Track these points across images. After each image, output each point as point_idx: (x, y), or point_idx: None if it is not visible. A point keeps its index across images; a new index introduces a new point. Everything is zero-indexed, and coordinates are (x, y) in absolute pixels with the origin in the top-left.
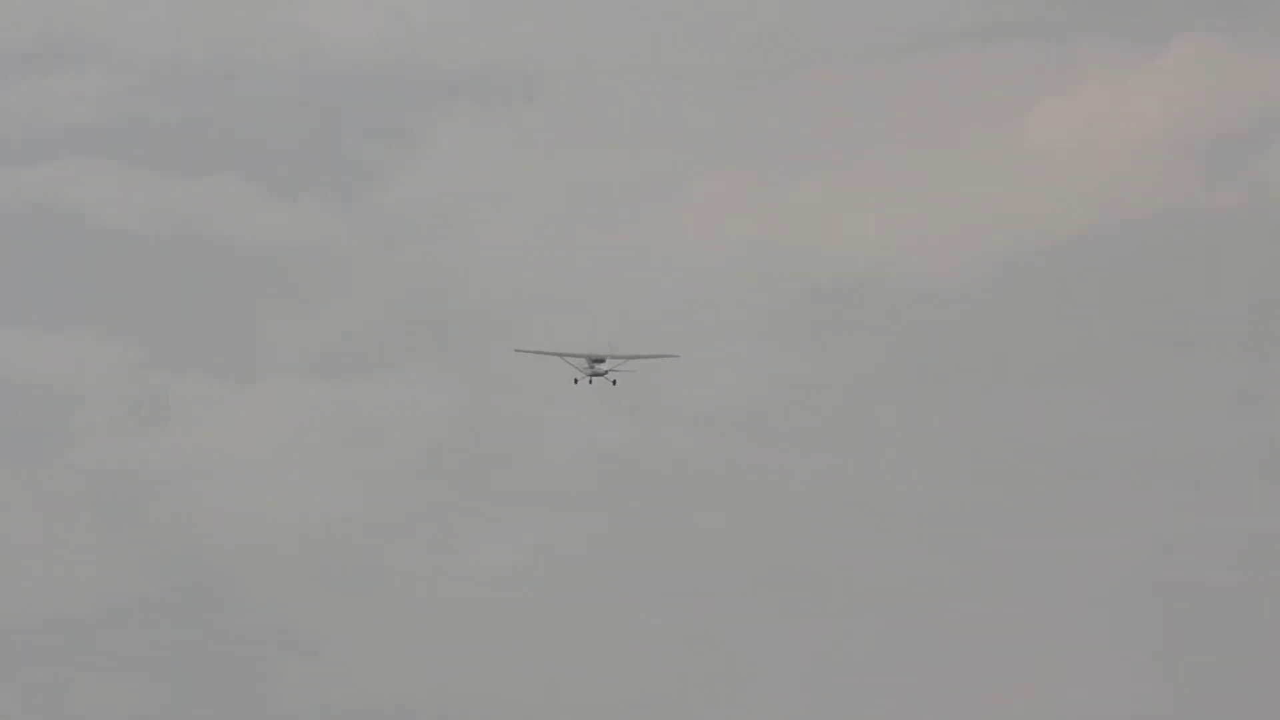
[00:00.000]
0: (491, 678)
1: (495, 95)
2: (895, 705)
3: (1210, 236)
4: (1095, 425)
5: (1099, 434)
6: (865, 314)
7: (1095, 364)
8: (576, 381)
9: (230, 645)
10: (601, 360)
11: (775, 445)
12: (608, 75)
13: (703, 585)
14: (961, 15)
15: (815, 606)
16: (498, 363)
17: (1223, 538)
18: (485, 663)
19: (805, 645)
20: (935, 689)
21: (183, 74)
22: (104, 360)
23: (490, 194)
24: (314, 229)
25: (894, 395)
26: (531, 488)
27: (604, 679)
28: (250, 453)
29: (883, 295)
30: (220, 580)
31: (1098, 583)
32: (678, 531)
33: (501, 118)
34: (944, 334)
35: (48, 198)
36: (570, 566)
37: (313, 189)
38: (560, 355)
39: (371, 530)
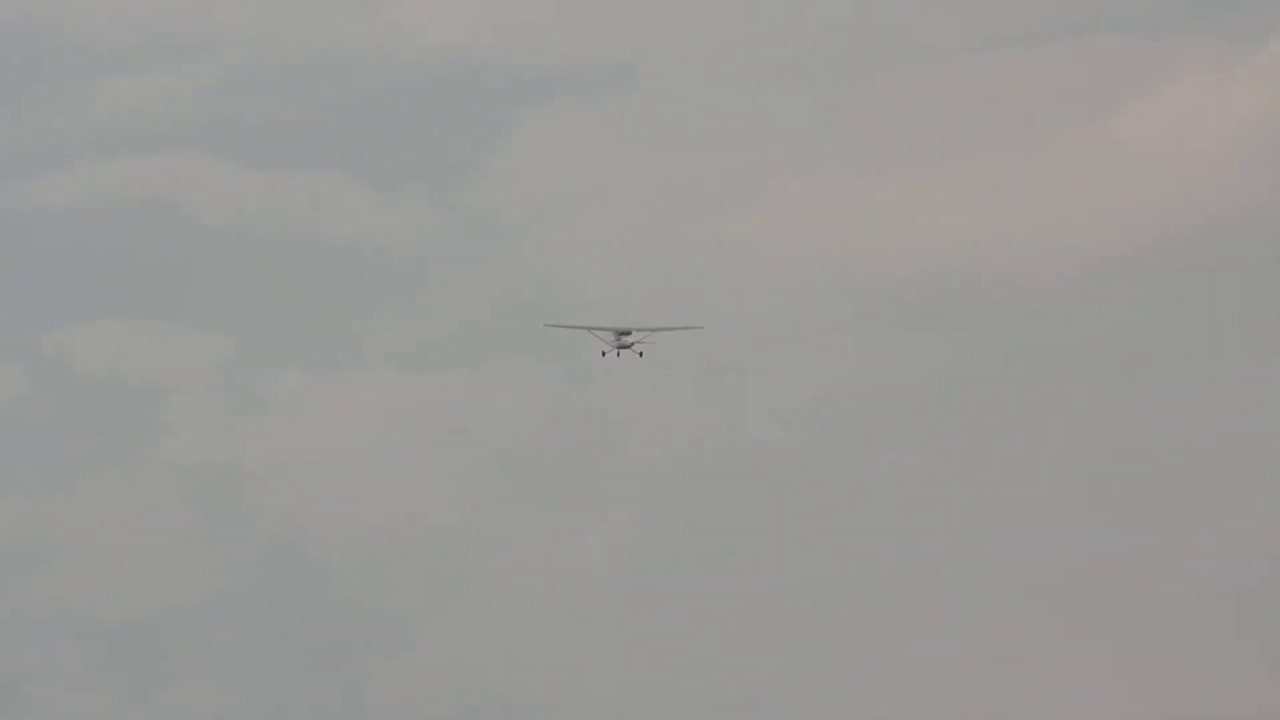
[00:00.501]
0: (582, 675)
1: (588, 91)
2: (985, 705)
3: None
4: (1188, 424)
5: (1191, 432)
6: (954, 311)
7: (1186, 362)
8: (604, 354)
9: (322, 639)
10: (628, 333)
11: (862, 443)
12: (700, 71)
13: (791, 583)
14: (1054, 12)
15: (904, 605)
16: (591, 358)
17: None
18: (575, 659)
19: (894, 644)
20: (1024, 688)
21: (281, 70)
22: (199, 354)
23: (583, 189)
24: (409, 224)
25: (981, 393)
26: (624, 485)
27: (694, 678)
28: (345, 447)
29: (971, 292)
30: (313, 574)
31: (1191, 582)
32: (767, 529)
33: (594, 113)
34: (1033, 331)
35: (145, 192)
36: (661, 564)
37: (408, 185)
38: (588, 329)
39: (465, 525)
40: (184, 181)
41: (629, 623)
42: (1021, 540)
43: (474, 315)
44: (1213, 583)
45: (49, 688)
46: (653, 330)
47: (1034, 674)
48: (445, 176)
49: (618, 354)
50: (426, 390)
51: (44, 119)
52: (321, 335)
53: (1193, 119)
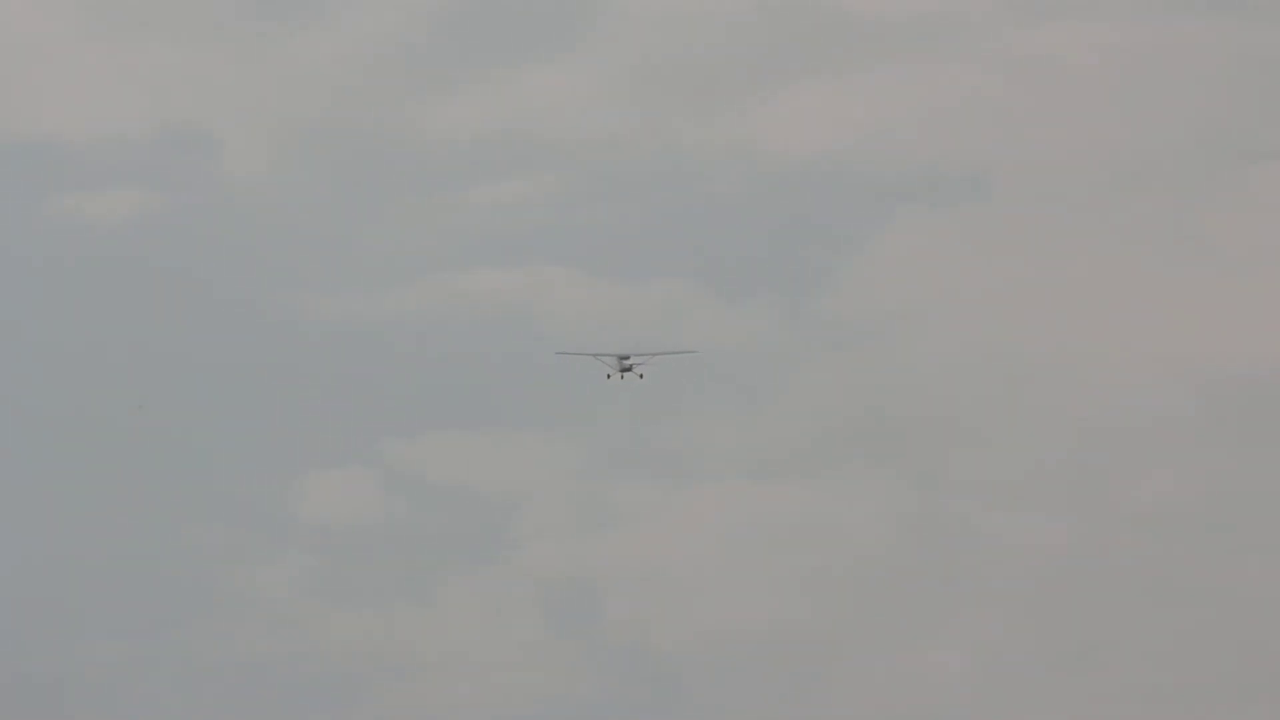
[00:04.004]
0: None
1: (943, 197)
2: None
3: None
4: None
5: None
6: None
7: None
8: (609, 377)
9: None
10: (628, 358)
11: (1218, 545)
12: (1058, 176)
13: (1144, 690)
14: None
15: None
16: (940, 466)
17: None
18: None
19: None
20: None
21: (631, 179)
22: (551, 463)
23: (937, 297)
24: (760, 331)
25: None
26: (971, 591)
27: None
28: (696, 555)
29: None
30: (666, 684)
31: None
32: (1119, 634)
33: (949, 220)
34: None
35: (497, 302)
36: (1015, 669)
37: (759, 293)
38: (594, 355)
39: (819, 633)
40: (535, 291)
41: None
42: None
43: (825, 423)
44: None
45: None
46: (651, 355)
47: None
48: (798, 285)
49: (621, 376)
50: (776, 499)
51: (398, 229)
52: (671, 443)
53: None
